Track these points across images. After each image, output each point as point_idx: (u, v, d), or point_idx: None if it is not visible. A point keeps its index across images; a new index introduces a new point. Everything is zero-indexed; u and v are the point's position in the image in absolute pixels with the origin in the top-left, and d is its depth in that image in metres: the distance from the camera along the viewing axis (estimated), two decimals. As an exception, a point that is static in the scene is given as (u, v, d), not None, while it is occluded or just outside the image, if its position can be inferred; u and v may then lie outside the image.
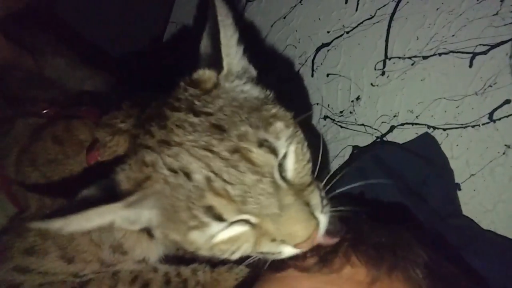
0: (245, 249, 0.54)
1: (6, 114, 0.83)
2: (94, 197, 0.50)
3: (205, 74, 0.58)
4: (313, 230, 0.53)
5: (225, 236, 0.52)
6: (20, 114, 0.80)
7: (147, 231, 0.70)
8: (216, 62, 0.58)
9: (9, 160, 0.75)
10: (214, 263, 0.76)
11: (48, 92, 0.91)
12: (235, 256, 0.56)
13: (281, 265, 0.66)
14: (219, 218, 0.50)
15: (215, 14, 0.56)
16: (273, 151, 0.52)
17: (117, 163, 0.55)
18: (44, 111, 0.79)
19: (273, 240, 0.53)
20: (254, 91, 0.59)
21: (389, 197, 0.90)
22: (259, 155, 0.50)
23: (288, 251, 0.56)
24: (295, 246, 0.54)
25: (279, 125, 0.54)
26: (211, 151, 0.50)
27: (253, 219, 0.52)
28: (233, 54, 0.59)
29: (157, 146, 0.52)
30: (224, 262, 0.76)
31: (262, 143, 0.51)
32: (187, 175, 0.50)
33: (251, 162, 0.50)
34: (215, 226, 0.51)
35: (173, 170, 0.50)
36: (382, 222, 0.72)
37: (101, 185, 0.53)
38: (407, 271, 0.64)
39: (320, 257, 0.64)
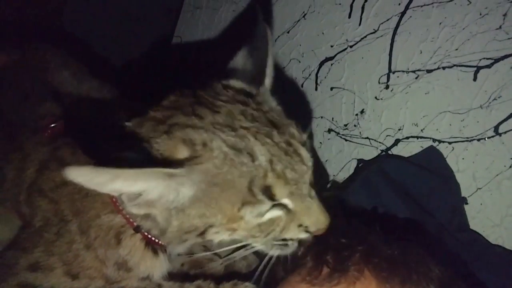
0: (275, 233, 0.61)
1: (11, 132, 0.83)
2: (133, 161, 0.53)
3: (239, 84, 0.67)
4: (330, 220, 0.63)
5: (268, 217, 0.59)
6: (26, 133, 0.80)
7: (152, 248, 0.70)
8: (254, 79, 0.68)
9: (20, 197, 0.75)
10: (218, 279, 0.76)
11: (57, 105, 0.92)
12: (264, 240, 0.62)
13: (291, 278, 0.67)
14: (272, 197, 0.57)
15: (266, 41, 0.68)
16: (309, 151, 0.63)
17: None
18: (52, 125, 0.80)
19: (299, 226, 0.62)
20: (278, 106, 0.69)
21: (395, 211, 0.90)
22: (304, 152, 0.61)
23: (303, 238, 0.64)
24: (315, 232, 0.63)
25: (300, 131, 0.65)
26: (272, 140, 0.58)
27: (291, 205, 0.60)
28: (271, 75, 0.70)
29: (211, 127, 0.57)
30: (228, 278, 0.75)
31: (303, 144, 0.62)
32: (251, 156, 0.56)
33: (300, 156, 0.60)
34: (266, 204, 0.57)
35: (237, 149, 0.56)
36: (395, 236, 0.71)
37: (135, 154, 0.55)
38: (420, 285, 0.63)
39: (331, 269, 0.64)
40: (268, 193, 0.57)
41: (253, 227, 0.59)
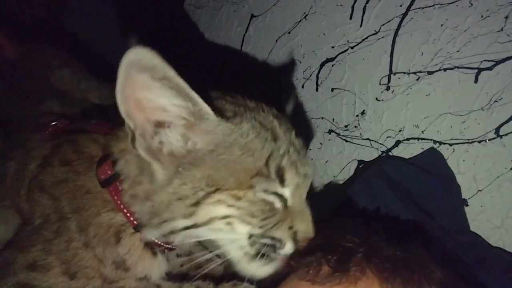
0: (269, 222, 0.63)
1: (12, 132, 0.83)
2: None
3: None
4: (313, 235, 0.67)
5: (271, 199, 0.63)
6: (29, 130, 0.80)
7: (151, 249, 0.69)
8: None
9: (21, 191, 0.75)
10: (217, 280, 0.75)
11: (57, 103, 0.92)
12: (258, 225, 0.63)
13: (293, 276, 0.67)
14: (282, 180, 0.63)
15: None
16: None
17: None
18: (53, 123, 0.79)
19: (290, 228, 0.65)
20: None
21: (395, 212, 0.89)
22: (310, 161, 0.71)
23: (288, 248, 0.66)
24: (300, 239, 0.66)
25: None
26: (291, 136, 0.67)
27: (290, 201, 0.65)
28: None
29: (242, 107, 0.65)
30: (228, 279, 0.75)
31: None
32: (274, 136, 0.63)
33: (307, 160, 0.68)
34: (275, 184, 0.62)
35: (264, 126, 0.63)
36: (398, 238, 0.71)
37: None
38: (422, 286, 0.62)
39: (332, 268, 0.64)
40: (280, 175, 0.62)
41: (256, 202, 0.61)
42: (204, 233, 0.64)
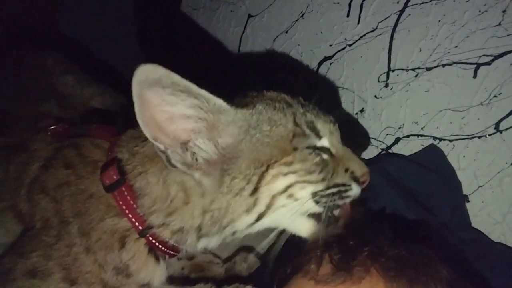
0: (327, 172, 0.66)
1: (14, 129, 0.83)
2: None
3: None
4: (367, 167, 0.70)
5: (317, 153, 0.66)
6: (28, 131, 0.80)
7: (154, 254, 0.69)
8: None
9: (21, 190, 0.74)
10: (219, 283, 0.75)
11: (56, 104, 0.92)
12: (320, 179, 0.65)
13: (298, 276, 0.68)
14: (317, 133, 0.66)
15: None
16: None
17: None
18: (52, 127, 0.79)
19: (346, 171, 0.68)
20: None
21: (397, 210, 0.89)
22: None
23: (355, 188, 0.68)
24: (361, 177, 0.69)
25: None
26: (302, 101, 0.70)
27: (332, 149, 0.68)
28: None
29: (251, 98, 0.69)
30: (229, 282, 0.75)
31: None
32: (288, 103, 0.68)
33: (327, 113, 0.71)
34: (313, 139, 0.66)
35: (275, 99, 0.67)
36: (403, 237, 0.71)
37: None
38: (428, 286, 0.62)
39: (335, 267, 0.64)
40: (313, 128, 0.66)
41: (306, 159, 0.64)
42: (267, 222, 0.65)
